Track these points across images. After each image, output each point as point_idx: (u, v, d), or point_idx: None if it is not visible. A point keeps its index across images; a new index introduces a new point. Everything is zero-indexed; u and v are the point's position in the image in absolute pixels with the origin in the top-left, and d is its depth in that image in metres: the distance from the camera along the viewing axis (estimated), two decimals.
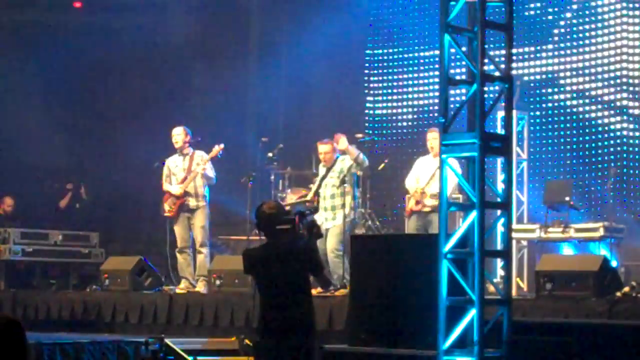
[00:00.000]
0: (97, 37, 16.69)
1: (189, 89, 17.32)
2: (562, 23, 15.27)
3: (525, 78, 15.19)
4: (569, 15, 15.19)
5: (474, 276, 6.44)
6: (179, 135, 12.28)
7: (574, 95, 15.08)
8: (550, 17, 15.39)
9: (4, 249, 13.65)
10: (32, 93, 16.03)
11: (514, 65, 7.15)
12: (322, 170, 11.83)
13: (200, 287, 11.90)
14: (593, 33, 14.94)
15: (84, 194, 15.53)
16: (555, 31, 15.30)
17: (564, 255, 12.50)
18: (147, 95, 16.73)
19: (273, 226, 6.89)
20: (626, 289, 9.61)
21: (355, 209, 11.74)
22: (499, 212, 6.76)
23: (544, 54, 15.36)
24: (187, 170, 12.22)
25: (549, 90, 15.32)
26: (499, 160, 10.04)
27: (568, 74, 15.17)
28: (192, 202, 12.11)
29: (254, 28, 17.69)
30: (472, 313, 6.38)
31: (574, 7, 15.16)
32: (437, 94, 9.12)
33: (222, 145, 12.24)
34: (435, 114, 12.56)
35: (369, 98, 17.07)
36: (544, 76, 15.36)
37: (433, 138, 11.57)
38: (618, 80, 14.65)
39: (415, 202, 11.66)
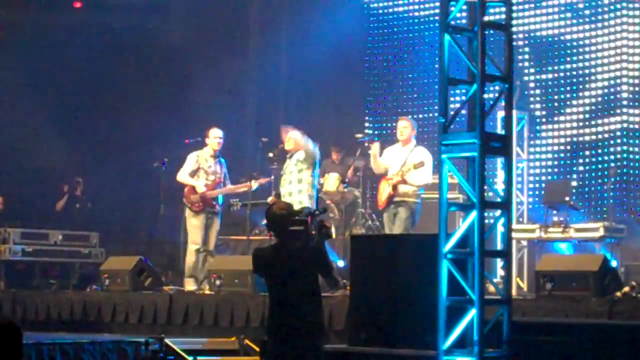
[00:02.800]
0: (97, 37, 16.69)
1: (189, 88, 17.32)
2: (562, 23, 15.27)
3: (525, 78, 15.20)
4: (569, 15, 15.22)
5: (474, 276, 6.44)
6: (222, 138, 12.33)
7: (574, 95, 15.08)
8: (550, 17, 15.41)
9: (4, 249, 13.64)
10: (32, 93, 16.04)
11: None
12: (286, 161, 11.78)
13: (206, 288, 11.93)
14: (593, 33, 14.94)
15: (79, 190, 15.48)
16: (556, 30, 15.32)
17: (564, 255, 12.50)
18: (147, 94, 16.72)
19: (284, 227, 6.89)
20: (626, 289, 9.60)
21: (314, 198, 11.62)
22: (499, 212, 6.77)
23: (544, 54, 15.37)
24: (222, 176, 12.30)
25: (549, 90, 15.32)
26: (499, 160, 10.04)
27: (568, 73, 15.18)
28: (217, 207, 12.25)
29: (254, 28, 17.70)
30: (472, 313, 6.39)
31: (574, 7, 15.17)
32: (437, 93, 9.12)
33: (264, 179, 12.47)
34: (436, 114, 12.58)
35: (369, 98, 17.08)
36: (544, 76, 15.37)
37: (403, 127, 11.51)
38: (618, 80, 14.65)
39: (392, 188, 11.45)
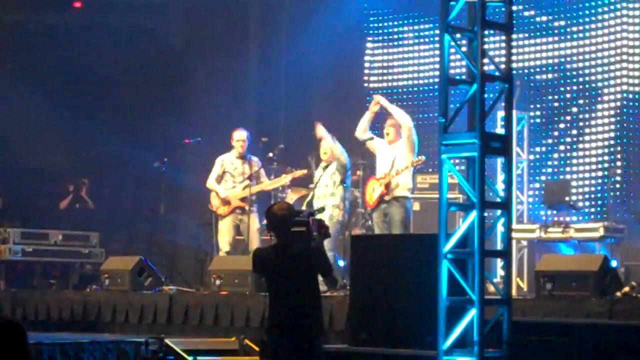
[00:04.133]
0: (97, 37, 16.68)
1: (189, 88, 17.31)
2: (562, 23, 15.27)
3: (526, 78, 15.19)
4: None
5: (474, 276, 6.44)
6: (245, 140, 12.41)
7: (574, 95, 15.08)
8: (550, 17, 15.40)
9: (4, 249, 13.63)
10: (32, 92, 16.02)
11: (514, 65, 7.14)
12: (319, 170, 11.91)
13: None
14: (593, 33, 14.94)
15: (85, 190, 15.44)
16: (556, 30, 15.32)
17: (564, 255, 12.50)
18: (147, 94, 16.72)
19: (284, 227, 6.90)
20: (626, 289, 9.60)
21: (346, 210, 11.81)
22: (499, 212, 6.76)
23: (544, 54, 15.37)
24: (251, 177, 12.31)
25: (549, 90, 15.32)
26: (499, 160, 10.04)
27: (568, 73, 15.18)
28: (247, 207, 12.24)
29: (254, 28, 17.69)
30: (472, 313, 6.39)
31: (574, 7, 15.16)
32: (437, 93, 9.13)
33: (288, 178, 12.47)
34: (436, 114, 12.59)
35: (369, 97, 17.06)
36: (544, 76, 15.37)
37: (390, 125, 11.59)
38: (618, 80, 14.65)
39: (385, 187, 11.50)
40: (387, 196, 11.36)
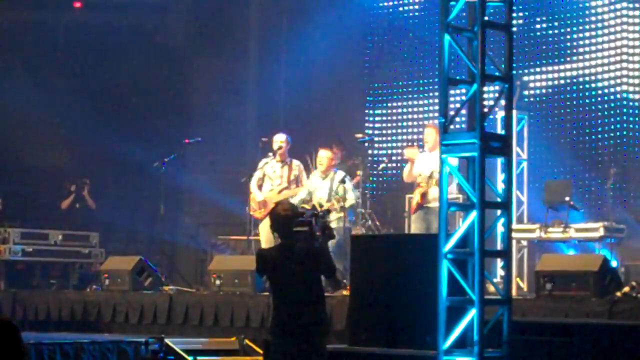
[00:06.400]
0: (97, 37, 16.69)
1: (189, 88, 17.31)
2: (562, 23, 15.26)
3: (525, 78, 15.18)
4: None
5: (474, 276, 6.44)
6: (283, 142, 12.35)
7: (574, 95, 15.08)
8: (549, 17, 15.40)
9: (4, 249, 13.63)
10: (32, 92, 16.04)
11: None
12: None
13: None
14: (593, 33, 14.94)
15: (87, 190, 15.43)
16: (556, 31, 15.31)
17: (564, 255, 12.49)
18: (147, 94, 16.73)
19: (288, 227, 6.91)
20: (626, 289, 9.61)
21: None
22: (499, 212, 6.76)
23: (543, 54, 15.37)
24: (287, 179, 12.27)
25: (549, 90, 15.32)
26: (499, 160, 10.04)
27: (568, 74, 15.17)
28: None
29: (254, 28, 17.70)
30: (472, 313, 6.38)
31: (574, 6, 15.16)
32: (437, 93, 9.12)
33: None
34: (436, 114, 12.56)
35: (369, 97, 17.08)
36: (544, 76, 15.37)
37: (427, 134, 11.62)
38: (618, 80, 14.65)
39: (421, 197, 11.54)
40: (425, 204, 11.37)
